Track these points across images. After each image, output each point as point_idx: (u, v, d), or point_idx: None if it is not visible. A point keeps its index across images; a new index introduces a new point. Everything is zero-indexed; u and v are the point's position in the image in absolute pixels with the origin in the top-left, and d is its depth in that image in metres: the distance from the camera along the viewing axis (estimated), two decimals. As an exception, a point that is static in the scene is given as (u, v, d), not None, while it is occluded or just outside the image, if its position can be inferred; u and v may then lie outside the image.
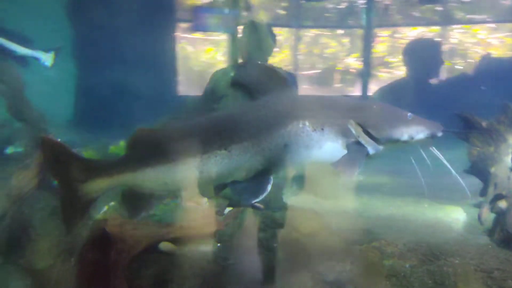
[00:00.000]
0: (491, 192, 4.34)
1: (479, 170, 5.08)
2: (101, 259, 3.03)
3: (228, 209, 3.82)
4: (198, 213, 3.61)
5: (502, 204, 4.12)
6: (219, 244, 3.35)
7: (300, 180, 5.57)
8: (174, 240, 3.30)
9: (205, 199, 4.14)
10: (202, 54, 13.59)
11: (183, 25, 12.24)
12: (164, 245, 3.20)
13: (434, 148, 3.18)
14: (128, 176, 2.85)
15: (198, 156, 2.78)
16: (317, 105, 3.01)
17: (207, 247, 3.32)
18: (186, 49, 13.29)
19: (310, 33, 15.31)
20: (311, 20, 14.41)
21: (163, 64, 11.76)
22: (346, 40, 15.14)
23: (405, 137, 3.03)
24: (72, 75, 10.98)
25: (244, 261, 3.11)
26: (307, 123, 2.86)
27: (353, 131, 2.95)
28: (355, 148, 2.92)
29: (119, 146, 4.72)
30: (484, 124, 5.25)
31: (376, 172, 7.28)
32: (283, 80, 3.09)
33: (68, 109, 11.25)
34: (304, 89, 14.08)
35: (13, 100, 5.94)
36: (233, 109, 3.09)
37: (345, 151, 2.92)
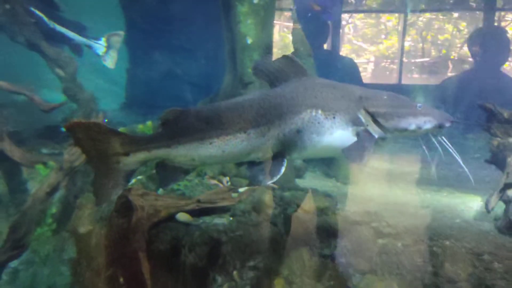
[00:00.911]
0: (503, 181, 4.38)
1: (499, 160, 5.10)
2: (124, 224, 3.50)
3: (243, 188, 4.16)
4: (216, 189, 3.99)
5: (511, 192, 4.17)
6: (231, 218, 3.70)
7: (324, 166, 5.87)
8: (191, 212, 3.70)
9: (227, 178, 4.55)
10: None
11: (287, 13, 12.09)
12: (181, 216, 3.63)
13: (443, 138, 3.30)
14: (163, 151, 3.11)
15: (221, 137, 3.08)
16: (330, 94, 3.19)
17: (221, 220, 3.70)
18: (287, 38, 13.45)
19: (423, 17, 13.95)
20: (424, 3, 13.19)
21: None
22: (463, 25, 13.56)
23: (412, 126, 3.19)
24: (124, 60, 11.63)
25: (251, 234, 3.45)
26: (319, 111, 3.09)
27: (363, 120, 3.14)
28: (364, 136, 3.12)
29: (146, 125, 5.18)
30: (506, 114, 5.24)
31: (410, 161, 7.34)
32: (301, 70, 3.32)
33: (121, 91, 11.94)
34: (414, 78, 12.99)
35: (68, 84, 6.60)
36: (253, 95, 3.31)
37: (355, 138, 3.12)
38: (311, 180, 5.60)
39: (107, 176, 3.11)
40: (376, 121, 3.15)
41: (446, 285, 3.12)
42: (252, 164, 3.18)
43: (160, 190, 4.24)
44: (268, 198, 3.81)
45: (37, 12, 7.00)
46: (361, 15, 19.67)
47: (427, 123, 3.21)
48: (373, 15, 18.71)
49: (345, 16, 18.16)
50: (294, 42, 6.19)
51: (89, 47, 8.14)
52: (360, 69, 12.83)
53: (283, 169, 3.07)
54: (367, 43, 20.37)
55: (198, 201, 3.79)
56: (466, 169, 3.51)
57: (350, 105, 3.15)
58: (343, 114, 3.11)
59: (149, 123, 5.32)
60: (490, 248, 3.48)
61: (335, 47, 12.54)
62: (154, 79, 11.43)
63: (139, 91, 11.80)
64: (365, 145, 3.07)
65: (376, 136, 3.16)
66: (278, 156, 3.14)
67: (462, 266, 3.19)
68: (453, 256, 3.28)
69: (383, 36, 18.98)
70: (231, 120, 3.11)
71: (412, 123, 3.19)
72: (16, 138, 6.66)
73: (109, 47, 8.43)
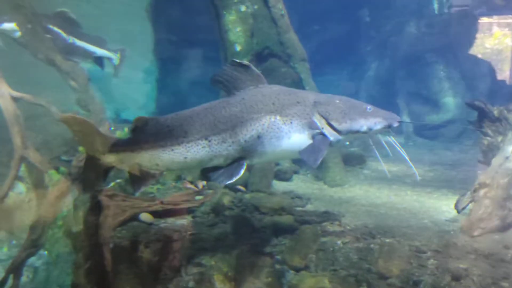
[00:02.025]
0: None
1: (489, 160, 5.03)
2: (95, 221, 3.96)
3: (208, 190, 4.49)
4: (181, 192, 4.36)
5: (481, 192, 4.16)
6: (192, 219, 4.04)
7: (315, 169, 6.06)
8: (156, 213, 4.09)
9: (204, 182, 4.90)
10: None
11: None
12: (144, 216, 4.02)
13: (391, 137, 3.54)
14: (127, 155, 3.41)
15: (183, 144, 3.36)
16: (286, 100, 3.43)
17: (182, 221, 4.05)
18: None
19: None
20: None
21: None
22: None
23: (364, 128, 3.41)
24: (154, 71, 12.36)
25: (202, 233, 3.77)
26: (278, 117, 3.31)
27: (318, 124, 3.37)
28: (319, 139, 3.36)
29: (123, 133, 5.64)
30: (496, 112, 5.16)
31: (415, 163, 7.32)
32: (258, 77, 3.54)
33: (152, 102, 12.69)
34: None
35: (81, 95, 7.29)
36: (214, 103, 3.53)
37: (311, 141, 3.36)
38: (297, 183, 5.80)
39: (92, 169, 3.47)
40: (330, 125, 3.38)
41: (377, 281, 3.24)
42: (214, 168, 3.42)
43: (138, 193, 4.66)
44: (227, 200, 4.10)
45: (55, 28, 7.75)
46: None
47: (377, 124, 3.41)
48: None
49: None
50: (286, 47, 6.43)
51: (109, 59, 8.81)
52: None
53: (242, 171, 3.31)
54: None
55: (162, 202, 4.17)
56: (413, 168, 3.73)
57: (306, 110, 3.38)
58: (299, 119, 3.34)
59: (125, 129, 5.76)
60: (439, 246, 3.55)
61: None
62: (182, 89, 12.06)
63: (169, 100, 12.46)
64: (320, 147, 3.30)
65: (331, 138, 3.37)
66: (239, 159, 3.39)
67: (397, 263, 3.30)
68: (392, 253, 3.39)
69: None
70: (192, 128, 3.36)
71: (363, 125, 3.40)
72: (47, 147, 7.42)
73: (121, 60, 9.10)
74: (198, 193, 4.51)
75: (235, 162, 3.37)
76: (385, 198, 5.18)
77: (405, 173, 6.57)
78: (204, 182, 5.02)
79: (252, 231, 3.80)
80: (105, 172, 3.56)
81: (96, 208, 4.00)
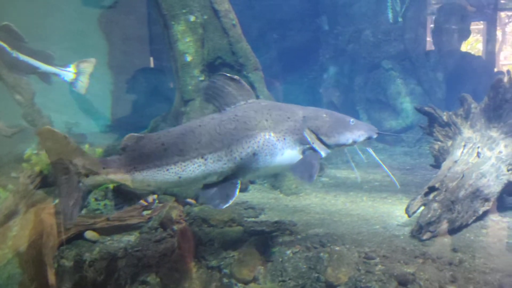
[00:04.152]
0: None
1: (440, 164, 5.20)
2: (38, 241, 3.86)
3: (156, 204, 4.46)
4: (128, 208, 4.29)
5: (431, 196, 4.30)
6: (139, 235, 4.00)
7: (272, 178, 6.11)
8: (101, 230, 4.02)
9: (155, 196, 4.86)
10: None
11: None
12: (89, 233, 3.94)
13: (370, 148, 3.78)
14: (119, 176, 3.30)
15: (179, 163, 3.31)
16: (277, 116, 3.49)
17: (129, 237, 4.00)
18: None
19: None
20: None
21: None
22: None
23: (350, 141, 3.60)
24: (108, 82, 12.19)
25: (148, 249, 3.73)
26: (271, 134, 3.38)
27: (308, 139, 3.47)
28: (310, 154, 3.46)
29: (96, 153, 5.52)
30: (445, 117, 5.36)
31: (375, 168, 7.49)
32: (248, 92, 3.59)
33: (106, 115, 12.47)
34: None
35: (27, 109, 7.11)
36: (207, 120, 3.46)
37: (300, 156, 3.45)
38: (253, 193, 5.84)
39: (70, 195, 3.25)
40: (319, 139, 3.50)
41: (325, 290, 3.30)
42: (205, 187, 3.39)
43: (84, 211, 4.57)
44: (175, 214, 4.09)
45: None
46: None
47: (360, 136, 3.63)
48: None
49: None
50: (239, 56, 6.49)
51: (56, 75, 8.61)
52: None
53: (237, 191, 3.32)
54: None
55: (107, 219, 4.11)
56: (391, 176, 3.94)
57: (296, 125, 3.48)
58: (291, 135, 3.44)
59: (99, 150, 5.64)
60: (387, 251, 3.64)
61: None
62: (139, 100, 11.93)
63: (124, 112, 12.29)
64: (312, 162, 3.39)
65: (321, 153, 3.49)
66: (231, 178, 3.39)
67: (345, 270, 3.36)
68: (340, 261, 3.46)
69: None
70: (188, 146, 3.33)
71: (349, 138, 3.59)
72: (-4, 163, 7.18)
73: (78, 73, 8.90)
74: (146, 207, 4.47)
75: (227, 180, 3.37)
76: (341, 205, 5.28)
77: (364, 179, 6.73)
78: (155, 196, 4.98)
79: (199, 244, 3.79)
80: (86, 195, 3.40)
81: (38, 227, 3.91)
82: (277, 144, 3.36)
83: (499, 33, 18.53)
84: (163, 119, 6.80)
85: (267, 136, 3.35)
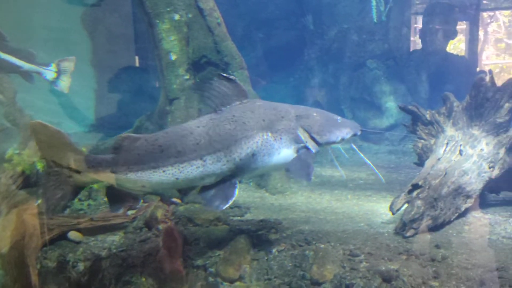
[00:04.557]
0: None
1: (423, 161, 5.26)
2: (20, 241, 3.80)
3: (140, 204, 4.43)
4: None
5: (414, 193, 4.35)
6: (123, 235, 3.96)
7: (258, 177, 6.10)
8: (85, 230, 3.97)
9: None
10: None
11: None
12: (72, 234, 3.90)
13: (353, 144, 3.88)
14: (111, 176, 3.18)
15: (176, 164, 3.26)
16: (273, 116, 3.52)
17: (114, 237, 3.96)
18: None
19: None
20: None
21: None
22: None
23: (339, 138, 3.71)
24: (91, 81, 12.07)
25: (132, 249, 3.70)
26: (269, 134, 3.41)
27: (302, 138, 3.52)
28: (304, 153, 3.51)
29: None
30: (428, 115, 5.42)
31: (359, 167, 7.54)
32: (243, 92, 3.58)
33: (89, 114, 12.34)
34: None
35: (9, 108, 6.99)
36: (204, 121, 3.42)
37: (295, 155, 3.49)
38: (238, 192, 5.81)
39: (58, 187, 3.22)
40: (312, 138, 3.56)
41: (311, 287, 3.31)
42: (204, 188, 3.37)
43: (67, 210, 4.52)
44: (160, 213, 4.06)
45: (-21, 41, 7.41)
46: (508, 12, 19.43)
47: (347, 133, 3.76)
48: None
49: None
50: (224, 55, 6.48)
51: (38, 73, 8.48)
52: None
53: (236, 191, 3.34)
54: None
55: (91, 219, 4.06)
56: (376, 171, 4.07)
57: (290, 124, 3.52)
58: (287, 134, 3.48)
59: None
60: (372, 249, 3.67)
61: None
62: (123, 100, 11.83)
63: (109, 112, 12.17)
64: (308, 161, 3.45)
65: (313, 151, 3.55)
66: (229, 178, 3.38)
67: (331, 268, 3.39)
68: (325, 258, 3.48)
69: None
70: (186, 147, 3.29)
71: (339, 136, 3.70)
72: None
73: (60, 72, 8.78)
74: (131, 207, 4.43)
75: (225, 180, 3.36)
76: (326, 204, 5.31)
77: (348, 177, 6.77)
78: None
79: (185, 244, 3.78)
80: (77, 191, 3.38)
81: (21, 227, 3.85)
82: (275, 144, 3.39)
83: (481, 33, 18.88)
84: (148, 118, 6.76)
85: (265, 136, 3.38)
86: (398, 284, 3.21)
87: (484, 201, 4.96)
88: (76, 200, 4.79)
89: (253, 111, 3.45)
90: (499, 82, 5.02)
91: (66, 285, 3.64)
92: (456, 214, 4.49)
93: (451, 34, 12.13)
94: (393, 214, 4.33)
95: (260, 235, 3.86)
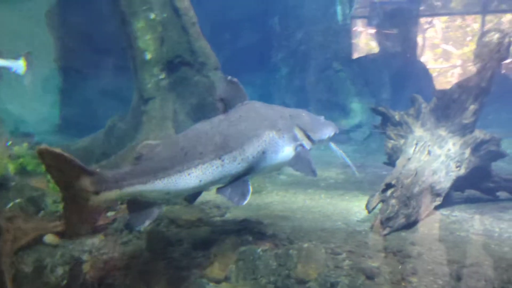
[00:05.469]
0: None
1: (393, 162, 5.36)
2: (-6, 247, 3.58)
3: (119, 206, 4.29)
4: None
5: (388, 193, 4.42)
6: (103, 237, 3.81)
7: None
8: (61, 233, 3.80)
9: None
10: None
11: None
12: (49, 238, 3.71)
13: (331, 143, 4.05)
14: (138, 188, 3.00)
15: (199, 166, 3.20)
16: (273, 116, 3.60)
17: (92, 240, 3.80)
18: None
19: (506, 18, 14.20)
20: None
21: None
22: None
23: (326, 136, 3.88)
24: (56, 80, 11.63)
25: (115, 252, 3.57)
26: (274, 132, 3.47)
27: (298, 136, 3.62)
28: (302, 150, 3.60)
29: (22, 148, 5.22)
30: (397, 117, 5.54)
31: (328, 165, 7.63)
32: (243, 94, 3.60)
33: (54, 113, 11.88)
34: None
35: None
36: (214, 122, 3.41)
37: (293, 153, 3.56)
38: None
39: (75, 212, 2.96)
40: (307, 136, 3.67)
41: (296, 286, 3.31)
42: (219, 190, 3.34)
43: (42, 213, 4.32)
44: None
45: None
46: (445, 18, 20.05)
47: (331, 132, 3.95)
48: (458, 17, 19.07)
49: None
50: (198, 55, 6.39)
51: (8, 68, 8.11)
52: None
53: (250, 187, 3.33)
54: (454, 46, 20.83)
55: (69, 221, 3.88)
56: (353, 168, 4.22)
57: (288, 123, 3.61)
58: (287, 133, 3.56)
59: (24, 145, 5.32)
60: (352, 247, 3.71)
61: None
62: (91, 100, 11.44)
63: (75, 112, 11.76)
64: (308, 158, 3.54)
65: (308, 148, 3.65)
66: (241, 176, 3.38)
67: (315, 266, 3.40)
68: (309, 257, 3.48)
69: (468, 39, 19.53)
70: (206, 148, 3.24)
71: (326, 134, 3.89)
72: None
73: (28, 65, 8.42)
74: (110, 208, 4.29)
75: (236, 179, 3.36)
76: (301, 203, 5.33)
77: (319, 176, 6.83)
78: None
79: (168, 245, 3.69)
80: (99, 212, 3.12)
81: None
82: (279, 141, 3.47)
83: (420, 38, 19.68)
84: (121, 119, 6.58)
85: (271, 135, 3.45)
86: (380, 281, 3.26)
87: (450, 199, 5.12)
88: (50, 202, 4.59)
89: (256, 112, 3.56)
90: (437, 86, 5.22)
91: (44, 290, 3.47)
92: (427, 212, 4.61)
93: (409, 38, 12.51)
94: (369, 212, 4.39)
95: (243, 235, 3.82)
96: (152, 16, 5.86)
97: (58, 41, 11.82)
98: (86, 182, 2.88)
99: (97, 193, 2.92)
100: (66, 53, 11.82)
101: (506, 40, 5.02)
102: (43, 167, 4.10)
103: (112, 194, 2.95)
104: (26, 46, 9.93)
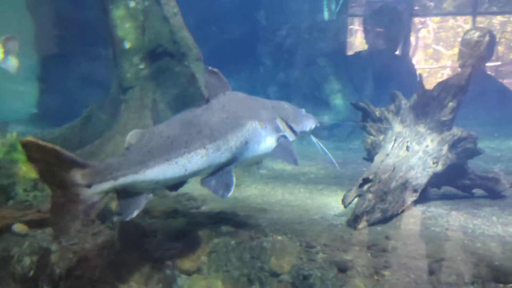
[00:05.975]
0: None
1: (372, 157, 5.37)
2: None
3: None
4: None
5: (365, 187, 4.42)
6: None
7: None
8: (32, 223, 3.70)
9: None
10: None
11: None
12: (17, 227, 3.61)
13: (312, 136, 4.15)
14: (130, 178, 2.92)
15: (185, 155, 3.15)
16: (256, 106, 3.61)
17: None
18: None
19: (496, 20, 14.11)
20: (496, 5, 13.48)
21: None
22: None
23: (308, 128, 3.97)
24: (35, 67, 11.39)
25: (85, 242, 3.50)
26: (256, 123, 3.48)
27: (280, 127, 3.64)
28: (284, 141, 3.63)
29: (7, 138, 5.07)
30: (378, 113, 5.54)
31: (309, 161, 7.62)
32: (226, 84, 3.58)
33: (31, 102, 11.64)
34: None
35: None
36: (197, 111, 3.37)
37: (275, 143, 3.60)
38: (193, 184, 5.63)
39: (65, 208, 2.77)
40: (289, 127, 3.71)
41: (269, 278, 3.29)
42: (203, 181, 3.33)
43: (11, 202, 4.21)
44: (114, 205, 3.87)
45: None
46: (438, 18, 20.21)
47: (312, 124, 4.03)
48: (450, 18, 19.30)
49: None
50: (180, 46, 6.29)
51: (-18, 56, 7.89)
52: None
53: (234, 178, 3.35)
54: (444, 47, 20.89)
55: (38, 211, 3.80)
56: (334, 161, 4.29)
57: (270, 114, 3.63)
58: (269, 123, 3.57)
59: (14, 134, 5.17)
60: (327, 240, 3.70)
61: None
62: (70, 88, 11.22)
63: (54, 100, 11.54)
64: (290, 148, 3.59)
65: (291, 139, 3.69)
66: (224, 167, 3.38)
67: (288, 259, 3.37)
68: (283, 250, 3.46)
69: (459, 40, 19.66)
70: (191, 137, 3.20)
71: (308, 126, 3.97)
72: None
73: (7, 52, 8.19)
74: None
75: (219, 169, 3.35)
76: (280, 197, 5.31)
77: (299, 171, 6.82)
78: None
79: (143, 236, 3.63)
80: (92, 207, 2.89)
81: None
82: (262, 132, 3.48)
83: (412, 38, 19.95)
84: (99, 108, 6.46)
85: (253, 125, 3.45)
86: (353, 274, 3.25)
87: (427, 195, 5.16)
88: (21, 190, 4.47)
89: (238, 102, 3.55)
90: (427, 86, 5.27)
91: (9, 281, 3.38)
92: (403, 207, 4.63)
93: (395, 35, 12.58)
94: (345, 207, 4.39)
95: (218, 227, 3.78)
96: (132, 4, 5.75)
97: (38, 27, 11.57)
98: (77, 175, 2.75)
99: (89, 186, 2.79)
100: (46, 40, 11.58)
101: (486, 38, 5.05)
102: (13, 155, 4.01)
103: (106, 185, 2.85)
104: (4, 32, 9.70)
